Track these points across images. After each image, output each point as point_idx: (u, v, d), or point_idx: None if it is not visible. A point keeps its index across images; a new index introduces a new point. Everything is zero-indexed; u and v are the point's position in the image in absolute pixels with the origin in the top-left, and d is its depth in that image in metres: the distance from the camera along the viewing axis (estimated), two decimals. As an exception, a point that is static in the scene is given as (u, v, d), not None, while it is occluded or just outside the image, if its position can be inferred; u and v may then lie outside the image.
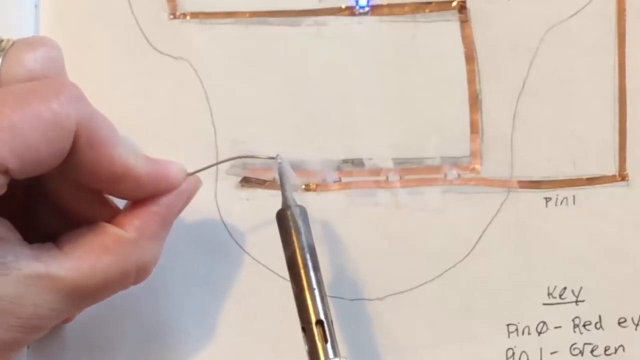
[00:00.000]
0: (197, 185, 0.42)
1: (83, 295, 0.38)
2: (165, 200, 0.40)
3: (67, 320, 0.43)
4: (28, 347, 0.44)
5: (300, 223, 0.40)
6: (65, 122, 0.36)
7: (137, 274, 0.40)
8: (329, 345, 0.38)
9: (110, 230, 0.39)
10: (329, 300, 0.44)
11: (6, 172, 0.35)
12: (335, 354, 0.38)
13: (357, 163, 0.45)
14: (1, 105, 0.35)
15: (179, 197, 0.41)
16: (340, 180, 0.45)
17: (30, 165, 0.36)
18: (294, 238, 0.40)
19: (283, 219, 0.41)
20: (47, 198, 0.40)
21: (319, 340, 0.38)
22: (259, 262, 0.45)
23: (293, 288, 0.39)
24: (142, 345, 0.44)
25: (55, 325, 0.39)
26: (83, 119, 0.36)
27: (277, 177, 0.45)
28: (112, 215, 0.40)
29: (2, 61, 0.37)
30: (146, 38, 0.46)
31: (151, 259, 0.40)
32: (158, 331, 0.44)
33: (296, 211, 0.41)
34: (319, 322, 0.39)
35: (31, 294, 0.37)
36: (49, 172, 0.37)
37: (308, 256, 0.40)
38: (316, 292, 0.39)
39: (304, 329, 0.39)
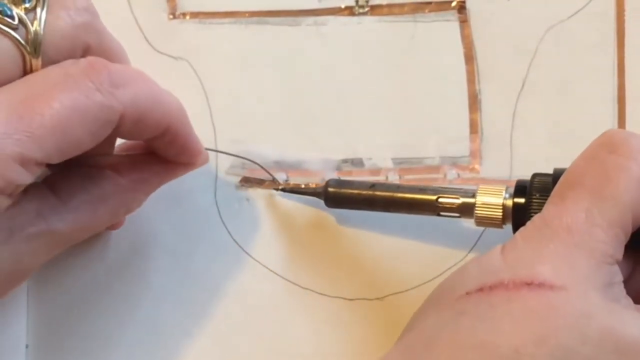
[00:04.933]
0: (204, 162, 0.42)
1: (71, 242, 0.39)
2: (171, 166, 0.41)
3: None
4: (27, 347, 0.44)
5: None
6: (110, 115, 0.35)
7: (120, 218, 0.41)
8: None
9: (109, 176, 0.39)
10: (329, 300, 0.44)
11: (47, 164, 0.35)
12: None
13: (357, 163, 0.45)
14: (50, 98, 0.34)
15: (185, 168, 0.41)
16: (340, 180, 0.45)
17: (72, 154, 0.35)
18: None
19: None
20: None
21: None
22: (259, 262, 0.45)
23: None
24: (141, 345, 0.44)
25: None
26: (127, 104, 0.36)
27: (276, 176, 0.45)
28: (111, 160, 0.40)
29: (44, 30, 0.36)
30: (146, 38, 0.46)
31: (136, 208, 0.41)
32: (157, 331, 0.44)
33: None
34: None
35: (31, 250, 0.37)
36: None
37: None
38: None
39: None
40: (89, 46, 0.37)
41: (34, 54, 0.36)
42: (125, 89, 0.36)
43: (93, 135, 0.35)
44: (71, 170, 0.39)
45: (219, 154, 0.45)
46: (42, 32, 0.36)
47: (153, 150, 0.40)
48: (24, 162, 0.34)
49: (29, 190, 0.37)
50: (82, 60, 0.36)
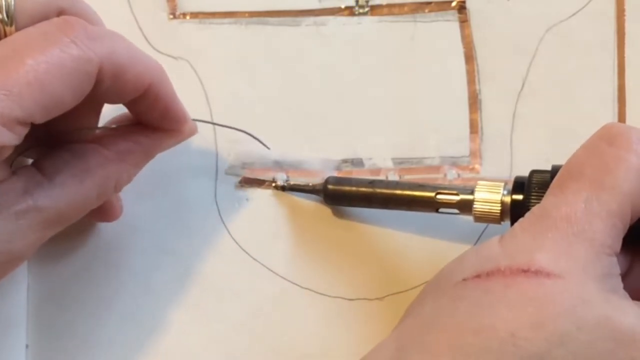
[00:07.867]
0: (192, 132, 0.42)
1: (62, 222, 0.39)
2: (157, 136, 0.41)
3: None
4: (27, 347, 0.44)
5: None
6: (88, 67, 0.35)
7: (110, 194, 0.40)
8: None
9: (93, 149, 0.39)
10: (329, 300, 0.44)
11: (31, 123, 0.35)
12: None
13: (357, 163, 0.45)
14: (24, 55, 0.35)
15: (172, 138, 0.41)
16: (340, 180, 0.45)
17: (54, 112, 0.35)
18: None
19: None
20: None
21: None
22: (259, 262, 0.45)
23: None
24: (141, 345, 0.44)
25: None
26: (104, 57, 0.36)
27: (276, 176, 0.45)
28: (96, 134, 0.40)
29: None
30: (146, 38, 0.46)
31: (126, 182, 0.41)
32: (157, 331, 0.44)
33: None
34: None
35: (19, 230, 0.37)
36: None
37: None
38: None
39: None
40: (63, 10, 0.37)
41: (7, 21, 0.36)
42: (102, 42, 0.36)
43: (73, 90, 0.35)
44: (57, 148, 0.39)
45: (218, 155, 0.45)
46: None
47: (137, 118, 0.40)
48: (5, 121, 0.34)
49: (16, 171, 0.37)
50: (56, 18, 0.37)
